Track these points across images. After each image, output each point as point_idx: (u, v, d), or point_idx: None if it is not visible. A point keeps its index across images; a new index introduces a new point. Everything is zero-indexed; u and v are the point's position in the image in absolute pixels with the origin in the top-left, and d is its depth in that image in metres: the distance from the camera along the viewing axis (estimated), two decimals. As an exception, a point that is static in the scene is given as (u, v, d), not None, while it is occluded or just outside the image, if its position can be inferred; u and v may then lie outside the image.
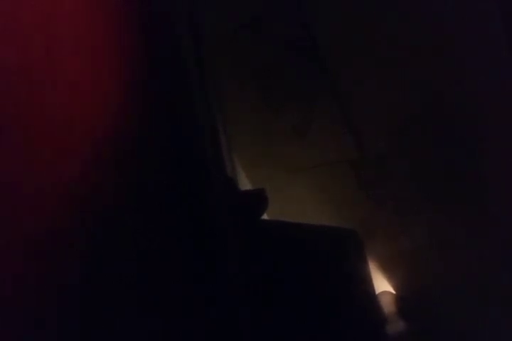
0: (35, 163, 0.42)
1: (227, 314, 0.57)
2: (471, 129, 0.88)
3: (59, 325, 0.42)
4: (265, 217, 0.79)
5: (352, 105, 0.96)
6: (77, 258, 0.44)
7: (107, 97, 0.51)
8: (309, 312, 0.68)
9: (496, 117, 0.85)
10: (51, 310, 0.41)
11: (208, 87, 0.67)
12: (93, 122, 0.49)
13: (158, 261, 0.54)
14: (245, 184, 1.05)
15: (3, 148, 0.40)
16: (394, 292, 1.09)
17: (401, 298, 1.06)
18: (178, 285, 0.55)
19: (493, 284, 0.91)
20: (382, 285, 1.08)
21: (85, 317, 0.44)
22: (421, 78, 0.89)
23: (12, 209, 0.40)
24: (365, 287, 0.78)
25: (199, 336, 0.55)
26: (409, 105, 0.92)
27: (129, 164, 0.53)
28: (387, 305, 1.05)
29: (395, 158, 0.97)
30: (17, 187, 0.40)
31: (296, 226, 0.77)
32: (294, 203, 1.09)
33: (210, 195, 0.60)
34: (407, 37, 0.86)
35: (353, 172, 1.02)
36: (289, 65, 0.96)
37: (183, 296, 0.55)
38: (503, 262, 0.90)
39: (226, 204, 0.62)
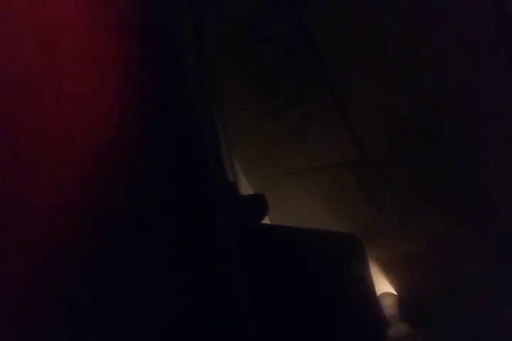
0: (38, 172, 0.43)
1: (227, 314, 0.57)
2: (471, 129, 0.88)
3: (59, 324, 0.42)
4: (266, 218, 0.80)
5: (352, 106, 0.96)
6: (78, 258, 0.45)
7: (109, 99, 0.51)
8: (309, 314, 0.68)
9: (495, 117, 0.85)
10: (51, 310, 0.41)
11: (208, 87, 0.67)
12: (96, 129, 0.49)
13: (158, 262, 0.54)
14: (245, 186, 1.05)
15: (7, 158, 0.40)
16: (395, 293, 1.09)
17: (402, 299, 1.06)
18: (178, 285, 0.55)
19: (493, 284, 0.91)
20: (383, 286, 1.08)
21: (85, 317, 0.44)
22: (421, 79, 0.89)
23: (15, 214, 0.40)
24: (366, 289, 0.78)
25: (199, 336, 0.55)
26: (409, 106, 0.92)
27: (130, 168, 0.53)
28: (389, 306, 1.06)
29: (395, 159, 0.97)
30: (20, 194, 0.41)
31: (296, 230, 0.77)
32: (295, 205, 1.09)
33: (211, 198, 0.60)
34: (407, 38, 0.86)
35: (353, 174, 1.02)
36: (289, 66, 0.96)
37: (183, 296, 0.56)
38: (503, 262, 0.90)
39: (227, 207, 0.62)
